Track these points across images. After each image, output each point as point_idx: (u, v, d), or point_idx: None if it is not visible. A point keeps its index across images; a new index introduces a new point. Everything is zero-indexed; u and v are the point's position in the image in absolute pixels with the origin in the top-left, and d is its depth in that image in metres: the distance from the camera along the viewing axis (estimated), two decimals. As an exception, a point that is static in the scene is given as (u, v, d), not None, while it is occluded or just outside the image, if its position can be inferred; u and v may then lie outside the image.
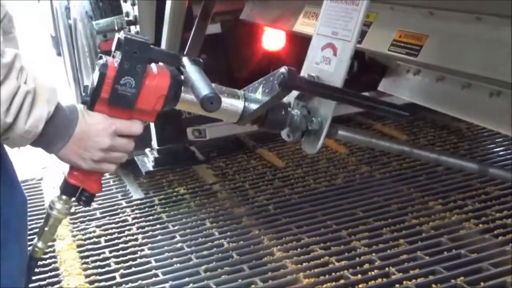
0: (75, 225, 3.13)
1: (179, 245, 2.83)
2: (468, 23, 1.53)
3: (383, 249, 2.60)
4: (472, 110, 2.00)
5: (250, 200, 3.21)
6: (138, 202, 3.34)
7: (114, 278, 2.64)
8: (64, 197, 1.32)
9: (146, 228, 3.04)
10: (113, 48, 1.25)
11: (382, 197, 3.06)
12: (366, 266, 2.49)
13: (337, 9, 1.36)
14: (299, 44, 3.72)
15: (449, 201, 2.94)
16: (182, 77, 1.26)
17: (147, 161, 3.62)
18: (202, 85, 1.17)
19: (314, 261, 2.57)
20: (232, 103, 1.31)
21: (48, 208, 1.33)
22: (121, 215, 3.21)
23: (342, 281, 2.42)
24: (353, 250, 2.62)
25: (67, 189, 1.31)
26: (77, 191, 1.32)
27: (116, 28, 2.89)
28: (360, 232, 2.75)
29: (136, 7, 2.74)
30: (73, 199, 1.33)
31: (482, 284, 2.28)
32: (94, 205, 3.24)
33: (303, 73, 1.40)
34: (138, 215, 3.19)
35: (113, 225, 3.10)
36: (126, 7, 2.88)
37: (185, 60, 1.24)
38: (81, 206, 1.60)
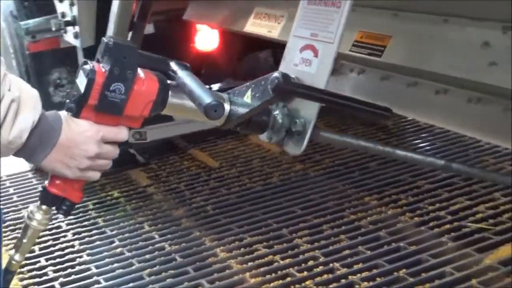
0: (5, 234, 3.01)
1: (119, 250, 2.78)
2: (435, 24, 1.59)
3: (325, 245, 2.64)
4: (417, 107, 2.08)
5: (188, 202, 3.19)
6: (71, 207, 3.24)
7: (53, 287, 2.56)
8: (44, 207, 1.27)
9: (83, 234, 2.97)
10: (98, 53, 1.21)
11: (318, 194, 3.11)
12: (311, 263, 2.52)
13: (315, 11, 1.38)
14: (232, 44, 3.77)
15: (384, 196, 3.02)
16: (170, 82, 1.24)
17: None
18: (202, 92, 1.16)
19: (259, 260, 2.59)
20: None
21: (27, 219, 1.28)
22: (54, 221, 3.11)
23: (288, 279, 2.44)
24: (296, 247, 2.65)
25: (48, 198, 1.27)
26: (58, 200, 1.28)
27: (54, 28, 2.79)
28: (301, 230, 2.79)
29: (75, 7, 2.66)
30: (53, 208, 1.28)
31: (423, 275, 2.35)
32: (23, 212, 3.12)
33: (281, 74, 1.41)
34: (72, 220, 3.10)
35: (46, 232, 2.99)
36: (62, 7, 2.79)
37: (173, 65, 1.23)
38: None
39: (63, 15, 2.77)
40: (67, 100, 1.22)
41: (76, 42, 2.77)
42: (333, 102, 1.30)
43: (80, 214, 3.16)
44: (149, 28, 3.33)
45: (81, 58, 2.95)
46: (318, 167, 3.44)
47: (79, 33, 2.71)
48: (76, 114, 1.22)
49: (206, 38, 3.39)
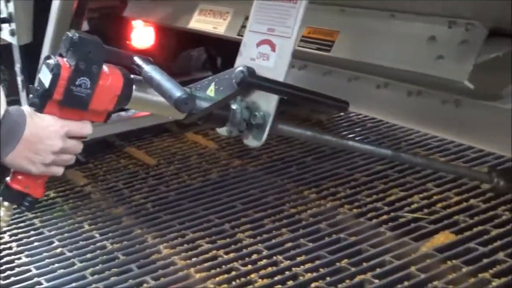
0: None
1: (59, 250, 2.74)
2: (382, 19, 1.64)
3: (267, 239, 2.68)
4: (358, 101, 2.14)
5: (127, 200, 3.17)
6: (5, 208, 3.16)
7: (-8, 290, 2.50)
8: (6, 203, 1.25)
9: (20, 236, 2.90)
10: (61, 48, 1.20)
11: (258, 189, 3.15)
12: (255, 256, 2.55)
13: (271, 6, 1.40)
14: (168, 41, 3.76)
15: (322, 189, 3.09)
16: (134, 76, 1.24)
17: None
18: (172, 86, 1.16)
19: (203, 255, 2.60)
20: None
21: (-12, 216, 1.25)
22: (-13, 223, 3.02)
23: (233, 273, 2.46)
24: (239, 242, 2.67)
25: (10, 194, 1.25)
26: (20, 196, 1.26)
27: (-12, 25, 2.72)
28: (243, 224, 2.82)
29: (11, 4, 2.59)
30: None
31: (364, 264, 2.42)
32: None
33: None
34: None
35: (-19, 235, 2.92)
36: (-4, 3, 2.72)
37: (136, 59, 1.23)
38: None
39: (-2, 11, 2.71)
40: (30, 95, 1.21)
41: (12, 40, 2.71)
42: (296, 95, 1.34)
43: (16, 216, 3.07)
44: (84, 26, 3.28)
45: (17, 56, 2.88)
46: (256, 162, 3.48)
47: (16, 30, 2.64)
48: (40, 109, 1.21)
49: (141, 35, 3.37)
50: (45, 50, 2.43)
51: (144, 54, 3.56)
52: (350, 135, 3.80)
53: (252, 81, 1.29)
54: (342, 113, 4.11)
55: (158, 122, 3.98)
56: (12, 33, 2.67)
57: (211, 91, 1.32)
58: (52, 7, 2.34)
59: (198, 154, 3.67)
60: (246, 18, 2.19)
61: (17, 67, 2.87)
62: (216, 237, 2.73)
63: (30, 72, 2.76)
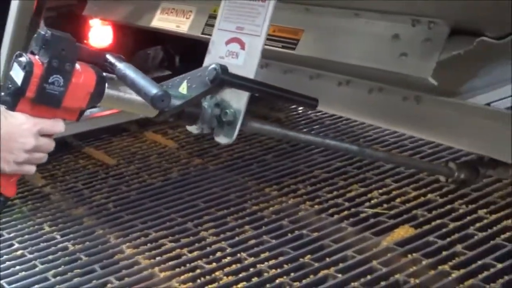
0: None
1: (19, 252, 2.69)
2: (347, 18, 1.68)
3: (231, 236, 2.69)
4: (320, 99, 2.17)
5: (87, 200, 3.14)
6: (-39, 211, 3.10)
7: (-49, 294, 2.45)
8: (-24, 203, 1.24)
9: (-22, 239, 2.85)
10: (33, 45, 1.19)
11: (219, 187, 3.16)
12: (219, 254, 2.56)
13: (239, 5, 1.42)
14: (126, 40, 3.74)
15: (283, 186, 3.12)
16: (106, 74, 1.24)
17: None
18: (147, 83, 1.17)
19: (167, 254, 2.59)
20: None
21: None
22: None
23: (198, 271, 2.47)
24: (203, 240, 2.68)
25: (-18, 195, 1.23)
26: None
27: None
28: (206, 222, 2.82)
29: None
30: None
31: (327, 259, 2.45)
32: None
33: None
34: (-36, 225, 2.97)
35: None
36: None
37: (109, 57, 1.23)
38: None
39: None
40: (2, 93, 1.20)
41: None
42: (268, 92, 1.35)
43: (-27, 218, 3.02)
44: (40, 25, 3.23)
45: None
46: (217, 161, 3.49)
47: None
48: (12, 107, 1.20)
49: (99, 35, 3.34)
50: (4, 49, 2.40)
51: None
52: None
53: (225, 79, 1.31)
54: (300, 111, 4.16)
55: (116, 122, 3.95)
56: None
57: (183, 89, 1.33)
58: (12, 6, 2.31)
59: (158, 154, 3.66)
60: (210, 17, 2.21)
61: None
62: (179, 235, 2.73)
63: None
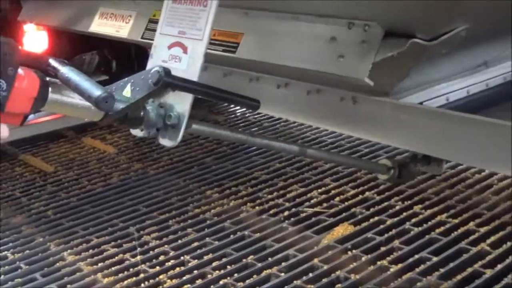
0: None
1: (-44, 263, 2.63)
2: (285, 21, 1.72)
3: (173, 239, 2.70)
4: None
5: (26, 208, 3.08)
6: None
7: None
8: None
9: None
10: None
11: (161, 191, 3.16)
12: (162, 258, 2.56)
13: (181, 10, 1.44)
14: (61, 45, 3.69)
15: (224, 188, 3.14)
16: (49, 79, 1.24)
17: None
18: (91, 85, 1.17)
19: (109, 260, 2.58)
20: None
21: None
22: None
23: (142, 275, 2.46)
24: (145, 244, 2.68)
25: None
26: None
27: None
28: (148, 227, 2.82)
29: None
30: None
31: (269, 259, 2.49)
32: None
33: (150, 70, 1.45)
34: None
35: None
36: None
37: (52, 61, 1.23)
38: None
39: None
40: None
41: None
42: (211, 94, 1.38)
43: None
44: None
45: None
46: (157, 165, 3.49)
47: None
48: (-48, 112, 1.19)
49: (34, 40, 3.29)
50: None
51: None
52: (248, 135, 3.88)
53: (169, 81, 1.32)
54: (239, 114, 4.20)
55: (53, 128, 3.90)
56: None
57: (127, 92, 1.34)
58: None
59: (98, 159, 3.63)
60: (150, 21, 2.22)
61: None
62: (122, 240, 2.72)
63: None
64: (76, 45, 3.87)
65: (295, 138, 3.71)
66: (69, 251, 2.66)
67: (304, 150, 1.60)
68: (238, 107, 4.24)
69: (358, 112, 2.02)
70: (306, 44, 1.72)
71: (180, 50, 1.44)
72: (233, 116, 4.14)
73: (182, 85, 1.36)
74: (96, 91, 1.18)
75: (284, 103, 2.12)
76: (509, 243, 2.42)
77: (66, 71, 1.24)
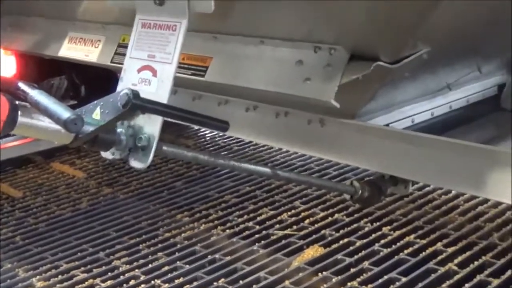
0: None
1: None
2: (252, 45, 1.75)
3: (144, 264, 2.68)
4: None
5: (-6, 234, 3.05)
6: None
7: None
8: None
9: None
10: None
11: (131, 215, 3.15)
12: (132, 282, 2.54)
13: (150, 34, 1.46)
14: (30, 70, 3.68)
15: (194, 212, 3.14)
16: (19, 102, 1.25)
17: None
18: (59, 108, 1.19)
19: (79, 285, 2.55)
20: None
21: None
22: None
23: (112, 300, 2.46)
24: (116, 269, 2.66)
25: None
26: None
27: None
28: (118, 251, 2.80)
29: None
30: None
31: (240, 282, 2.49)
32: None
33: (120, 93, 1.47)
34: None
35: None
36: None
37: (21, 85, 1.24)
38: None
39: None
40: None
41: None
42: (180, 116, 1.40)
43: None
44: None
45: None
46: (127, 189, 3.48)
47: None
48: None
49: (2, 64, 3.28)
50: None
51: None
52: (218, 159, 3.89)
53: (137, 103, 1.34)
54: (208, 138, 4.22)
55: (21, 153, 3.87)
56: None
57: (96, 115, 1.35)
58: None
59: (66, 184, 3.61)
60: (119, 45, 2.24)
61: None
62: (92, 266, 2.70)
63: None
64: (44, 70, 3.86)
65: (265, 161, 3.73)
66: (38, 277, 2.63)
67: (276, 173, 1.62)
68: (207, 131, 4.26)
69: (326, 134, 2.05)
70: (273, 68, 1.75)
71: (150, 73, 1.46)
72: (202, 140, 4.16)
73: (151, 107, 1.37)
74: (65, 113, 1.20)
75: (253, 126, 2.15)
76: (476, 263, 2.46)
77: (35, 94, 1.25)
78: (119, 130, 1.43)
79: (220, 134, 4.20)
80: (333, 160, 2.31)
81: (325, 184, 2.28)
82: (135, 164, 1.44)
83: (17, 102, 1.26)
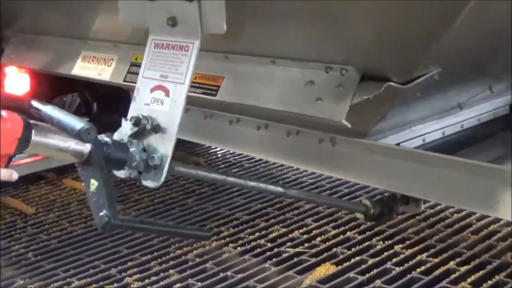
0: None
1: None
2: (264, 65, 1.76)
3: (155, 281, 2.69)
4: (239, 142, 2.26)
5: (6, 251, 3.06)
6: None
7: None
8: None
9: None
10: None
11: (142, 232, 3.15)
12: (144, 299, 2.56)
13: (163, 54, 1.48)
14: (43, 87, 3.72)
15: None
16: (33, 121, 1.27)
17: None
18: (72, 119, 1.21)
19: (90, 302, 2.57)
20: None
21: None
22: None
23: (123, 318, 2.46)
24: (127, 286, 2.67)
25: None
26: None
27: None
28: (130, 268, 2.81)
29: None
30: None
31: (251, 300, 2.50)
32: None
33: (132, 113, 1.49)
34: None
35: None
36: None
37: (34, 103, 1.26)
38: None
39: None
40: None
41: None
42: (160, 231, 1.43)
43: None
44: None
45: None
46: (138, 206, 3.49)
47: None
48: None
49: (16, 82, 3.32)
50: None
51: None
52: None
53: (116, 223, 1.38)
54: (220, 155, 4.23)
55: (34, 170, 3.90)
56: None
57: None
58: None
59: (78, 201, 3.62)
60: (132, 65, 2.27)
61: None
62: (103, 282, 2.71)
63: None
64: (57, 87, 3.89)
65: (276, 179, 3.73)
66: (50, 293, 2.65)
67: (287, 191, 1.63)
68: (218, 148, 4.27)
69: (337, 153, 2.05)
70: (284, 87, 1.76)
71: (163, 93, 1.47)
72: (214, 157, 4.17)
73: (131, 225, 1.41)
74: (78, 124, 1.22)
75: (264, 144, 2.16)
76: (489, 282, 2.45)
77: (48, 109, 1.27)
78: (131, 149, 1.44)
79: (231, 152, 4.22)
80: (344, 178, 2.31)
81: (336, 203, 2.28)
82: (148, 183, 1.46)
83: (30, 121, 1.28)
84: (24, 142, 1.28)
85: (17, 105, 1.30)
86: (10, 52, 2.98)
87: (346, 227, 3.02)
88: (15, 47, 2.96)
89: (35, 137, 1.29)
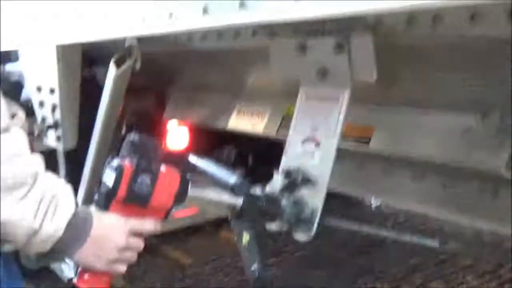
0: None
1: None
2: (417, 114, 1.72)
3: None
4: (394, 194, 2.19)
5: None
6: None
7: None
8: (76, 303, 1.30)
9: None
10: (123, 150, 1.29)
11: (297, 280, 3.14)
12: None
13: (313, 106, 1.49)
14: (202, 140, 3.86)
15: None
16: (190, 175, 1.32)
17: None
18: (226, 174, 1.25)
19: None
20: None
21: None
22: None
23: None
24: None
25: (78, 295, 1.29)
26: None
27: (36, 133, 2.83)
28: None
29: (57, 111, 2.73)
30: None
31: None
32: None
33: (284, 166, 1.51)
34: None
35: None
36: (42, 112, 2.84)
37: (191, 157, 1.32)
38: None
39: (44, 120, 2.83)
40: (95, 196, 1.28)
41: (58, 145, 2.82)
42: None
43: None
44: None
45: (61, 161, 2.98)
46: (291, 258, 3.49)
47: (62, 136, 2.77)
48: (105, 207, 1.28)
49: (176, 137, 3.46)
50: (91, 153, 2.53)
51: (180, 156, 3.64)
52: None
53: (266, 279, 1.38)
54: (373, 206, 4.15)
55: (191, 222, 4.03)
56: (58, 139, 2.79)
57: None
58: (99, 113, 2.45)
59: (234, 252, 3.69)
60: (283, 118, 2.30)
61: (61, 172, 2.98)
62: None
63: (72, 177, 2.84)
64: (213, 141, 4.01)
65: (433, 232, 3.59)
66: None
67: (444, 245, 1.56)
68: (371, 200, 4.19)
69: (499, 206, 1.93)
70: (439, 136, 1.70)
71: (313, 145, 1.47)
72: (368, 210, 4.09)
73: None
74: (232, 179, 1.25)
75: (419, 196, 2.09)
76: None
77: (203, 163, 1.32)
78: (283, 202, 1.45)
79: (384, 203, 4.13)
80: (508, 233, 2.16)
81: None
82: (299, 236, 1.45)
83: (187, 175, 1.32)
84: (181, 196, 1.32)
85: (175, 159, 1.35)
86: (171, 107, 3.13)
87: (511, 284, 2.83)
88: (176, 104, 3.11)
89: (191, 192, 1.33)
